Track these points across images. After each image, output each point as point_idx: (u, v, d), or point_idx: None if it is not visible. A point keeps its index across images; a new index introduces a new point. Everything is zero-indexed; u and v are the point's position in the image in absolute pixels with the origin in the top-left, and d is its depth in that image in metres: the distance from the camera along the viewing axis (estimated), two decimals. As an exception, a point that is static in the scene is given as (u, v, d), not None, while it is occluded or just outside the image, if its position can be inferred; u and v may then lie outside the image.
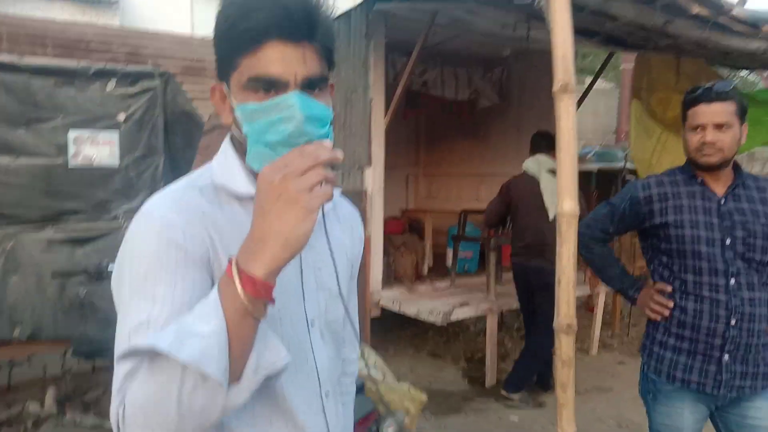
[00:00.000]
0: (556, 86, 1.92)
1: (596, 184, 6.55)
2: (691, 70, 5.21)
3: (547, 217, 4.16)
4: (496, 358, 4.88)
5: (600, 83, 7.15)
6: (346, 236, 1.15)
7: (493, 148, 7.22)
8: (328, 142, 0.81)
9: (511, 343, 5.90)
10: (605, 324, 6.24)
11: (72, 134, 3.48)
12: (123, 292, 0.89)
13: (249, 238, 0.78)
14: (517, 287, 4.50)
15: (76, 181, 3.53)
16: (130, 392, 0.80)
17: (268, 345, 0.83)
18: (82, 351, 3.67)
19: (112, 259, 3.15)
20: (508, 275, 4.88)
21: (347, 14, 4.75)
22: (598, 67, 6.48)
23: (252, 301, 0.76)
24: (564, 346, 2.13)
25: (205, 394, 0.76)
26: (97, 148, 3.56)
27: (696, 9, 2.58)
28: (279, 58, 0.88)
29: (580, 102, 6.26)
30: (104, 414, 4.04)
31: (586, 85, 6.59)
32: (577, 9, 2.54)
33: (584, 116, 10.70)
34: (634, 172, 6.20)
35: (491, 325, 4.79)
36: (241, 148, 0.98)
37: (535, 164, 4.34)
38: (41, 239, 3.48)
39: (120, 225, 3.66)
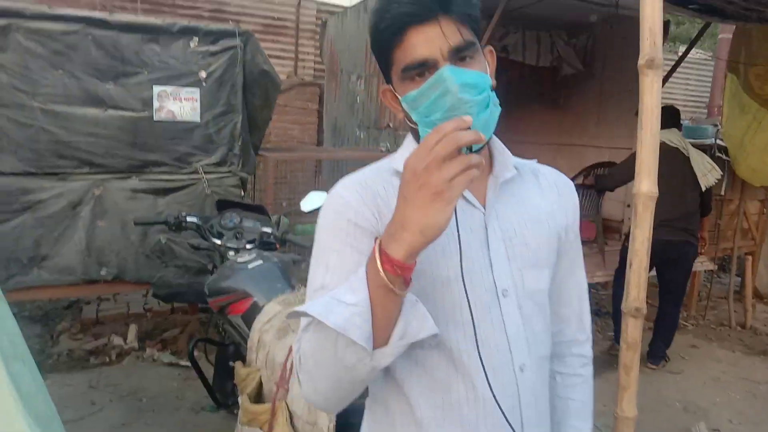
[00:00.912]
0: (642, 60, 1.82)
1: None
2: (798, 43, 4.81)
3: (690, 191, 4.33)
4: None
5: (693, 52, 6.71)
6: (548, 204, 1.13)
7: (572, 118, 6.96)
8: (468, 119, 0.81)
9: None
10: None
11: (156, 89, 3.62)
12: (312, 258, 1.02)
13: (392, 221, 0.84)
14: (655, 260, 4.44)
15: (159, 135, 3.70)
16: (303, 342, 0.92)
17: (416, 316, 0.89)
18: (161, 294, 3.89)
19: (191, 210, 3.30)
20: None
21: (428, -25, 4.65)
22: (693, 35, 6.07)
23: (391, 279, 0.82)
24: (631, 329, 2.07)
25: (354, 353, 0.86)
26: (179, 104, 3.70)
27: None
28: (421, 41, 0.93)
29: (670, 73, 5.92)
30: (180, 352, 4.29)
31: (678, 55, 6.20)
32: (672, -24, 2.39)
33: (674, 87, 10.11)
34: (724, 149, 5.83)
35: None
36: (417, 138, 1.04)
37: (677, 138, 4.39)
38: (126, 188, 3.70)
39: (199, 178, 3.81)
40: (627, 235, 4.35)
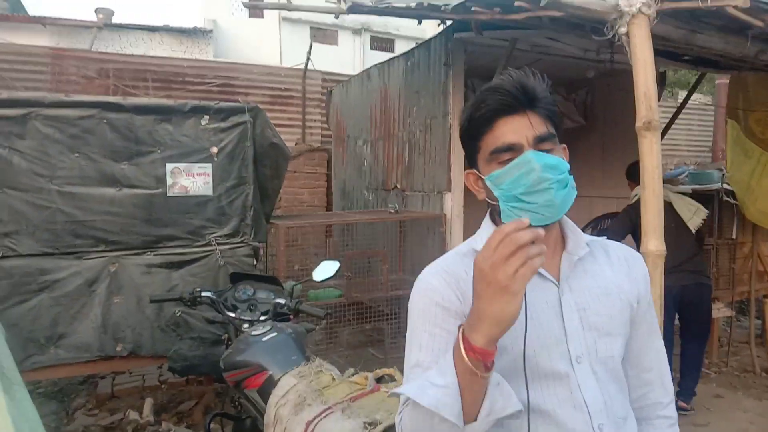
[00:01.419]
0: (639, 123, 1.88)
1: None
2: (794, 88, 4.89)
3: (685, 235, 4.45)
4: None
5: (694, 97, 6.82)
6: (619, 278, 1.23)
7: (577, 170, 6.96)
8: (526, 220, 0.93)
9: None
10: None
11: (169, 167, 3.73)
12: (407, 339, 1.17)
13: (471, 313, 0.97)
14: (668, 307, 4.43)
15: (173, 210, 3.78)
16: (405, 414, 1.06)
17: (503, 393, 1.01)
18: (177, 367, 3.89)
19: (205, 281, 3.34)
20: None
21: (427, 43, 4.81)
22: (691, 79, 6.19)
23: (474, 363, 0.95)
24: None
25: (447, 428, 0.98)
26: (192, 179, 3.79)
27: (791, 38, 2.44)
28: (510, 129, 1.10)
29: (672, 120, 6.00)
30: (196, 424, 4.25)
31: (678, 100, 6.30)
32: (660, 39, 2.47)
33: (677, 133, 10.20)
34: (732, 193, 5.85)
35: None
36: (497, 214, 1.17)
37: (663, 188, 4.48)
38: (141, 263, 3.75)
39: (213, 250, 3.87)
40: None
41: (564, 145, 1.21)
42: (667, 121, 6.13)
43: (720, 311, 5.34)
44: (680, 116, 6.19)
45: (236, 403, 2.89)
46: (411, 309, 1.16)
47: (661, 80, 5.63)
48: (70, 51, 7.18)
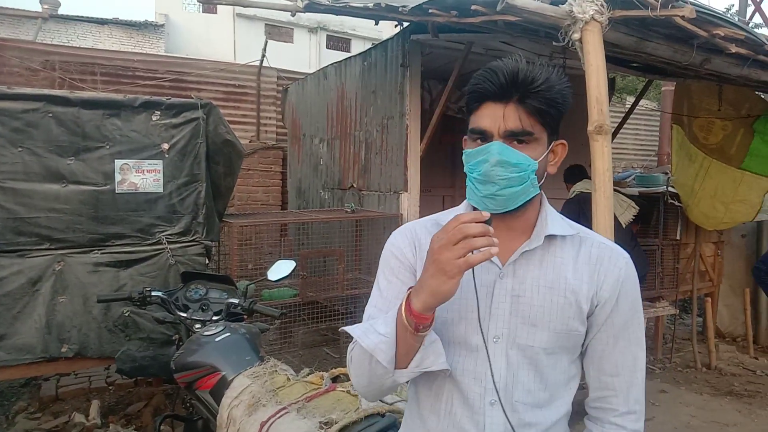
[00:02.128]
0: (591, 126, 1.93)
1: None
2: (734, 97, 5.11)
3: (620, 231, 4.49)
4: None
5: (641, 103, 7.04)
6: (578, 276, 1.22)
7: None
8: (486, 214, 1.04)
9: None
10: (647, 349, 6.07)
11: (118, 163, 3.62)
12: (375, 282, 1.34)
13: (418, 280, 1.09)
14: None
15: (121, 207, 3.67)
16: (354, 349, 1.21)
17: (434, 351, 1.14)
18: (125, 368, 3.78)
19: (154, 281, 3.26)
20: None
21: (384, 44, 4.82)
22: (639, 86, 6.39)
23: (410, 323, 1.08)
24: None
25: (380, 368, 1.14)
26: (142, 176, 3.70)
27: (734, 48, 2.54)
28: (488, 115, 1.15)
29: (621, 125, 6.18)
30: (145, 426, 4.14)
31: (626, 106, 6.48)
32: (611, 45, 2.54)
33: (625, 138, 10.52)
34: (676, 196, 6.07)
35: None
36: None
37: (591, 186, 4.66)
38: (88, 262, 3.63)
39: (163, 248, 3.78)
40: None
41: (562, 142, 1.25)
42: (616, 125, 6.32)
43: (664, 309, 5.52)
44: (628, 121, 6.38)
45: (187, 404, 2.83)
46: (381, 258, 1.33)
47: (611, 86, 5.79)
48: (13, 41, 6.88)
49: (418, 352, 1.13)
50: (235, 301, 2.80)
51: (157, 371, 3.87)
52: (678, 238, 6.57)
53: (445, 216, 1.29)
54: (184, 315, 2.73)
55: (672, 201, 6.16)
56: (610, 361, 1.27)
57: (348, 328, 1.19)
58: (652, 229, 6.47)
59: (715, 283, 6.91)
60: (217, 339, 2.50)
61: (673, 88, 6.11)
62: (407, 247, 1.30)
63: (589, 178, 5.06)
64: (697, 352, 5.99)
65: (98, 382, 4.79)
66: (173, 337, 3.71)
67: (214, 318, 2.70)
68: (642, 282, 4.87)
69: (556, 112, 1.16)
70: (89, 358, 3.70)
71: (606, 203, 1.93)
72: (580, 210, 4.82)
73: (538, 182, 1.19)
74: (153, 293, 2.79)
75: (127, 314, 3.71)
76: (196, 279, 2.97)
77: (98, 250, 3.65)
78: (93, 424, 4.16)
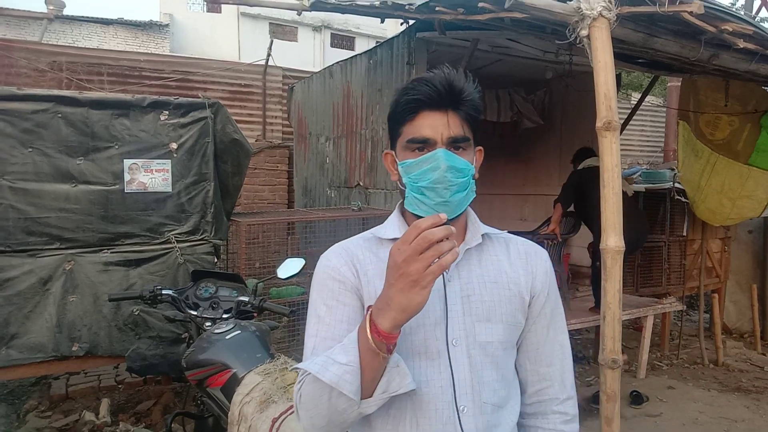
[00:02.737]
0: (600, 123, 1.93)
1: (644, 205, 6.43)
2: (741, 92, 5.09)
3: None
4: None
5: (647, 99, 7.04)
6: (513, 270, 1.27)
7: (535, 169, 7.18)
8: (443, 216, 0.99)
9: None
10: (654, 345, 6.10)
11: (127, 162, 3.65)
12: (308, 309, 1.24)
13: (380, 298, 1.03)
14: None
15: (130, 207, 3.70)
16: (304, 385, 1.11)
17: (400, 373, 1.08)
18: (135, 367, 3.81)
19: (163, 279, 3.28)
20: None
21: (389, 42, 4.83)
22: (644, 82, 6.38)
23: (378, 345, 1.01)
24: (609, 381, 2.12)
25: (345, 402, 1.05)
26: (150, 175, 3.72)
27: (742, 44, 2.54)
28: (429, 124, 1.16)
29: (627, 121, 6.17)
30: (155, 424, 4.17)
31: (632, 102, 6.47)
32: (619, 42, 2.54)
33: (631, 133, 10.51)
34: (683, 192, 6.06)
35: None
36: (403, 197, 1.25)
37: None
38: (98, 261, 3.66)
39: (172, 247, 3.80)
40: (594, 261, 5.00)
41: (480, 148, 1.27)
42: (622, 122, 6.31)
43: (672, 305, 5.53)
44: (634, 117, 6.38)
45: (198, 401, 2.85)
46: (312, 284, 1.25)
47: (617, 82, 5.78)
48: (20, 42, 6.92)
49: (383, 377, 1.07)
50: (245, 299, 2.81)
51: (166, 369, 3.90)
52: (685, 234, 6.57)
53: (380, 231, 1.29)
54: (195, 313, 2.74)
55: (678, 197, 6.16)
56: (545, 351, 1.30)
57: (302, 365, 1.10)
58: (659, 225, 6.47)
59: (722, 280, 6.91)
60: (227, 337, 2.52)
61: (679, 83, 6.10)
62: (345, 266, 1.23)
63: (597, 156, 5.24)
64: (705, 348, 5.99)
65: (108, 381, 4.83)
66: (183, 336, 3.74)
67: (225, 316, 2.72)
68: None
69: (479, 118, 1.21)
70: (100, 357, 3.73)
71: (615, 199, 1.94)
72: (579, 180, 5.04)
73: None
74: (164, 292, 2.80)
75: (137, 313, 3.73)
76: (206, 277, 2.98)
77: (108, 249, 3.68)
78: (103, 422, 4.19)
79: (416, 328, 1.17)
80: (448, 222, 1.07)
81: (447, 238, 0.97)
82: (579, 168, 5.20)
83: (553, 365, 1.30)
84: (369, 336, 1.01)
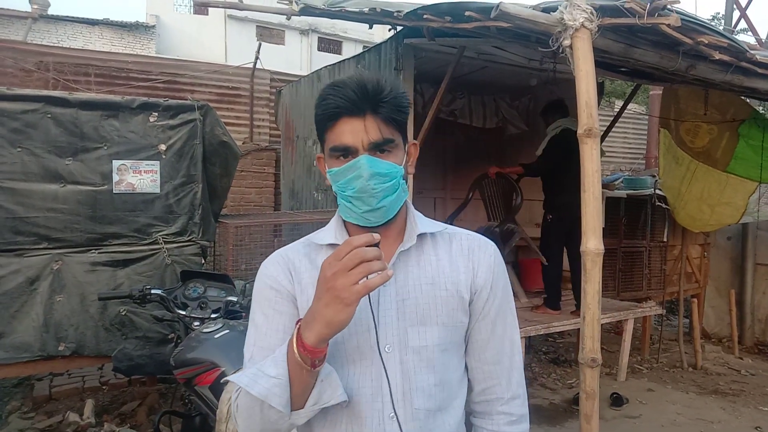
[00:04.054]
0: (581, 130, 2.00)
1: (625, 211, 6.55)
2: (720, 101, 5.22)
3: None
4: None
5: (630, 107, 7.17)
6: (455, 268, 1.24)
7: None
8: (377, 236, 0.99)
9: (539, 368, 5.90)
10: (634, 349, 6.20)
11: (116, 163, 3.67)
12: (249, 320, 1.24)
13: (309, 311, 1.02)
14: (563, 230, 5.04)
15: (118, 207, 3.72)
16: (240, 396, 1.11)
17: (331, 384, 1.08)
18: (122, 367, 3.81)
19: (151, 280, 3.29)
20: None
21: (378, 47, 4.89)
22: (627, 90, 6.50)
23: (304, 359, 1.01)
24: (588, 379, 2.19)
25: (275, 414, 1.05)
26: (139, 176, 3.74)
27: (717, 55, 2.64)
28: (348, 130, 1.13)
29: (609, 128, 6.29)
30: (140, 425, 4.17)
31: (614, 109, 6.59)
32: (600, 51, 2.62)
33: (613, 140, 10.66)
34: (664, 198, 6.19)
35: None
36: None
37: (574, 124, 4.93)
38: (86, 261, 3.68)
39: (160, 248, 3.83)
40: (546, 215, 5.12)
41: (414, 142, 1.27)
42: (605, 129, 6.43)
43: (651, 309, 5.63)
44: (616, 125, 6.49)
45: (186, 400, 2.88)
46: (253, 293, 1.25)
47: (600, 90, 5.90)
48: (6, 42, 6.90)
49: (314, 388, 1.06)
50: (234, 299, 2.85)
51: (152, 370, 3.91)
52: (665, 240, 6.71)
53: (318, 236, 1.27)
54: (183, 313, 2.78)
55: (659, 203, 6.28)
56: (491, 349, 1.27)
57: (233, 377, 1.09)
58: (640, 231, 6.59)
59: (701, 285, 7.04)
60: (216, 336, 2.55)
61: (661, 92, 6.23)
62: (282, 274, 1.22)
63: (570, 116, 5.19)
64: (684, 352, 6.11)
65: (92, 382, 4.81)
66: (169, 336, 3.76)
67: (213, 316, 2.76)
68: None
69: (404, 116, 1.18)
70: (86, 357, 3.74)
71: (595, 203, 2.01)
72: (568, 145, 4.87)
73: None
74: (153, 291, 2.84)
75: (123, 313, 3.75)
76: (194, 278, 3.02)
77: (96, 249, 3.70)
78: (87, 423, 4.18)
79: (349, 336, 1.15)
80: (379, 228, 1.14)
81: (378, 259, 0.97)
82: (558, 131, 5.14)
83: (500, 363, 1.28)
84: (295, 350, 1.01)
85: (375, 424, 1.16)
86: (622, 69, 4.17)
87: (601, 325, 2.16)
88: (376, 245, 0.99)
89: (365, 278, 0.97)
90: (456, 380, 1.25)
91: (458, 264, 1.25)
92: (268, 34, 21.49)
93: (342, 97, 1.12)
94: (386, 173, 1.13)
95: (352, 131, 1.12)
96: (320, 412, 1.12)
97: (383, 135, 1.14)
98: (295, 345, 1.02)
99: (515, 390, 1.29)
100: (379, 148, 1.14)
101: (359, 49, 5.29)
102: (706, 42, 2.56)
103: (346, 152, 1.13)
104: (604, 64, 3.41)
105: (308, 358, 1.01)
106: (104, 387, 4.79)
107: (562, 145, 4.95)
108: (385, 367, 1.15)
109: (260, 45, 7.73)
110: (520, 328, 4.75)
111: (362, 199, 1.13)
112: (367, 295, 1.07)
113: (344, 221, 1.25)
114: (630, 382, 5.51)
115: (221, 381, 2.38)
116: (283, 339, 1.13)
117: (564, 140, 4.90)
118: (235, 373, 2.30)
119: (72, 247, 3.63)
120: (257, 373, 1.06)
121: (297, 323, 1.04)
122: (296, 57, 21.81)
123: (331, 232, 1.25)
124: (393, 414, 1.15)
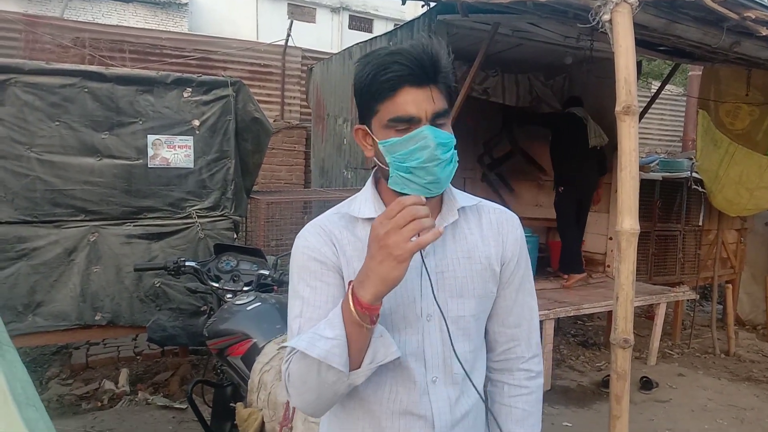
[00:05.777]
0: (619, 107, 1.96)
1: (660, 194, 6.41)
2: (763, 82, 5.06)
3: (591, 154, 5.36)
4: (551, 364, 4.86)
5: (667, 88, 6.99)
6: (485, 241, 1.29)
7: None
8: (423, 198, 1.01)
9: (568, 350, 5.87)
10: (666, 334, 6.11)
11: (150, 138, 3.72)
12: (289, 292, 1.24)
13: (361, 270, 1.05)
14: (574, 198, 5.53)
15: (153, 181, 3.79)
16: (292, 363, 1.12)
17: (384, 343, 1.11)
18: (156, 337, 3.91)
19: (184, 253, 3.33)
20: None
21: (410, 24, 4.84)
22: (665, 70, 6.34)
23: (361, 317, 1.04)
24: (620, 360, 2.17)
25: (334, 375, 1.07)
26: (173, 151, 3.80)
27: (765, 31, 2.54)
28: (412, 101, 1.11)
29: (646, 109, 6.15)
30: (173, 394, 4.29)
31: (651, 91, 6.44)
32: (641, 27, 2.55)
33: (649, 122, 10.43)
34: (700, 181, 6.05)
35: (548, 330, 4.77)
36: (383, 175, 1.23)
37: (581, 112, 5.44)
38: (121, 234, 3.76)
39: (193, 222, 3.89)
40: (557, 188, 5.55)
41: (453, 115, 1.27)
42: (641, 110, 6.29)
43: (684, 294, 5.54)
44: (653, 107, 6.34)
45: (218, 371, 2.93)
46: (292, 265, 1.24)
47: (638, 70, 5.75)
48: (45, 18, 7.02)
49: (369, 348, 1.09)
50: (266, 272, 2.88)
51: (185, 341, 4.00)
52: (700, 224, 6.56)
53: (352, 208, 1.27)
54: (216, 285, 2.82)
55: (696, 187, 6.14)
56: (514, 315, 1.34)
57: (291, 343, 1.11)
58: (675, 214, 6.46)
59: (736, 271, 6.89)
60: (248, 308, 2.59)
61: (701, 72, 6.06)
62: (325, 246, 1.22)
63: (582, 104, 5.65)
64: (716, 338, 6.00)
65: (126, 352, 4.95)
66: (202, 308, 3.84)
67: (245, 288, 2.79)
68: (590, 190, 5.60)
69: (453, 90, 1.19)
70: (121, 327, 3.85)
71: (632, 183, 1.97)
72: (568, 124, 5.44)
73: None
74: (187, 263, 2.88)
75: (158, 285, 3.83)
76: (227, 251, 3.06)
77: (131, 222, 3.78)
78: (122, 391, 4.32)
79: (396, 307, 1.20)
80: (431, 199, 1.15)
81: (428, 217, 0.99)
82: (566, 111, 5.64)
83: (521, 326, 1.35)
84: (352, 309, 1.03)
85: (420, 388, 1.21)
86: (662, 47, 4.06)
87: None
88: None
89: (416, 236, 0.99)
90: (482, 344, 1.33)
91: (489, 238, 1.30)
92: (299, 12, 21.39)
93: (409, 66, 1.09)
94: (446, 143, 1.13)
95: (417, 101, 1.11)
96: (366, 378, 1.15)
97: (444, 105, 1.14)
98: (351, 304, 1.04)
99: (535, 350, 1.38)
100: (438, 119, 1.13)
101: (390, 28, 5.24)
102: (753, 17, 2.47)
103: (408, 123, 1.12)
104: (643, 42, 3.33)
105: (366, 316, 1.04)
106: (138, 357, 4.92)
107: (563, 118, 5.52)
108: (428, 335, 1.21)
109: (292, 23, 7.72)
110: (549, 310, 4.78)
111: (427, 169, 1.12)
112: (422, 262, 1.17)
113: (380, 195, 1.26)
114: (660, 367, 5.45)
115: (253, 349, 2.42)
116: (332, 309, 1.13)
117: (565, 116, 5.51)
118: (267, 344, 2.36)
119: (108, 220, 3.72)
120: (314, 336, 1.07)
121: (349, 284, 1.06)
122: (327, 35, 21.68)
123: (368, 205, 1.25)
124: (435, 377, 1.22)
